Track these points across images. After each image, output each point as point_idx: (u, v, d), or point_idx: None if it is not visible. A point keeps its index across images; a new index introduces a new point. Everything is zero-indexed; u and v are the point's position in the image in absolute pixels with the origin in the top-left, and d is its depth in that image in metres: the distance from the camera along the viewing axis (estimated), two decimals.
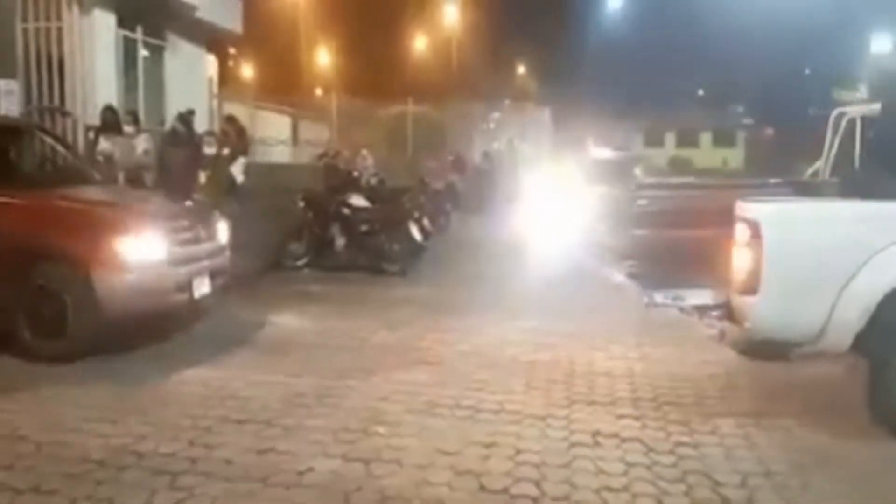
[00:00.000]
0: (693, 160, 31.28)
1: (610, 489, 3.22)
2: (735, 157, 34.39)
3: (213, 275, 5.74)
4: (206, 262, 5.67)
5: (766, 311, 3.91)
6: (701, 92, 43.54)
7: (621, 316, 6.37)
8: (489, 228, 13.50)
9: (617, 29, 34.60)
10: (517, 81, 42.97)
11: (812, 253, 3.84)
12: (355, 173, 12.49)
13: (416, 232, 9.26)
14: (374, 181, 13.10)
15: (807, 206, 4.23)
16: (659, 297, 4.40)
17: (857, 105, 5.97)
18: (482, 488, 3.24)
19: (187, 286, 5.41)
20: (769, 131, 35.37)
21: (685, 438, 3.76)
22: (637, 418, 4.04)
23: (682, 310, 4.47)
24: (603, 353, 5.29)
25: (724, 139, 35.21)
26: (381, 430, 3.84)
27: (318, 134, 22.86)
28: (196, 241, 5.64)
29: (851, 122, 5.82)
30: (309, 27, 35.13)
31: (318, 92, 34.20)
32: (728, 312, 4.09)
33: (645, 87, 37.65)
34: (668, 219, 5.02)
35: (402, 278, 8.49)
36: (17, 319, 4.95)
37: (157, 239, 5.24)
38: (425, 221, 10.07)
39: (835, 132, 5.96)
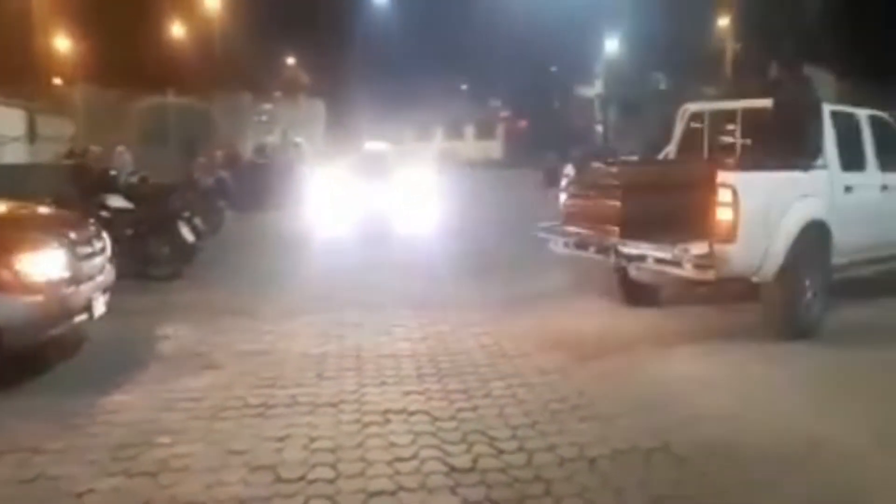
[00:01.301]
0: (460, 152, 33.33)
1: (401, 459, 3.47)
2: (495, 148, 37.34)
3: (105, 291, 5.18)
4: (100, 279, 5.11)
5: (739, 254, 5.14)
6: (464, 86, 46.42)
7: (401, 303, 6.72)
8: (266, 225, 13.20)
9: (385, 23, 35.49)
10: (288, 73, 42.06)
11: (762, 209, 5.23)
12: (112, 172, 11.40)
13: (187, 232, 8.76)
14: (134, 179, 12.03)
15: (759, 175, 5.41)
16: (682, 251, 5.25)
17: (699, 102, 7.54)
18: (278, 479, 3.29)
19: (88, 306, 4.85)
20: (523, 123, 38.95)
21: (465, 404, 4.15)
22: (422, 393, 4.36)
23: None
24: (388, 338, 5.56)
25: (485, 132, 38.02)
26: (164, 440, 3.69)
27: (61, 129, 20.36)
28: (92, 255, 5.05)
29: (695, 114, 7.25)
30: (44, 7, 30.94)
31: (58, 82, 30.36)
32: (707, 258, 5.10)
33: (414, 80, 39.19)
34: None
35: (175, 283, 8.01)
36: None
37: (60, 255, 4.64)
38: (197, 221, 9.57)
39: (681, 122, 7.35)
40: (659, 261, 5.38)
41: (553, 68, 42.52)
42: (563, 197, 6.45)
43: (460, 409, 4.08)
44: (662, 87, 36.51)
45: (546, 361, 4.91)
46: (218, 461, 3.46)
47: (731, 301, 6.68)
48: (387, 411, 4.07)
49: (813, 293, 5.61)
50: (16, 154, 18.07)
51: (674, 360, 4.96)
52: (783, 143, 5.90)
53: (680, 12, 25.07)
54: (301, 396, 4.32)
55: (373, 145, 13.76)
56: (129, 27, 29.28)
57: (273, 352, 5.26)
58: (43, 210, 5.81)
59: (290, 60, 43.59)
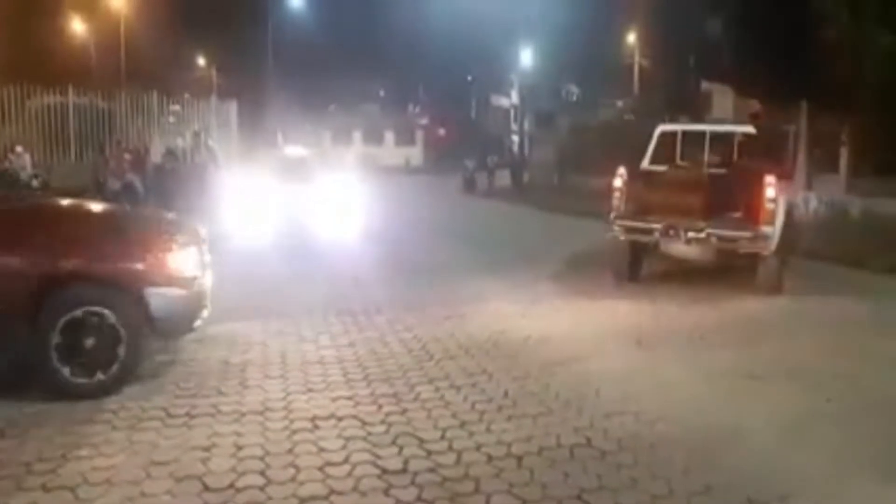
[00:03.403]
0: (379, 158, 33.23)
1: (331, 464, 3.48)
2: (415, 155, 37.49)
3: None
4: (210, 277, 5.14)
5: (774, 234, 7.20)
6: (382, 92, 46.36)
7: (325, 309, 6.68)
8: None
9: (301, 26, 34.99)
10: (198, 73, 40.71)
11: (781, 204, 7.28)
12: (12, 175, 10.74)
13: None
14: (35, 183, 11.41)
15: (782, 180, 7.43)
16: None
17: (671, 124, 9.42)
18: (206, 489, 3.24)
19: (208, 302, 4.99)
20: (442, 131, 39.34)
21: (394, 408, 4.20)
22: (350, 398, 4.37)
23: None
24: (313, 345, 5.53)
25: (405, 138, 38.10)
26: (83, 452, 3.55)
27: None
28: (204, 253, 5.12)
29: (666, 133, 8.87)
30: None
31: None
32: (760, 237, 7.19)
33: (331, 84, 38.83)
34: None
35: None
36: (47, 354, 4.20)
37: (195, 252, 4.87)
38: None
39: (655, 139, 8.77)
40: (721, 239, 7.38)
41: (469, 78, 43.20)
42: (618, 193, 7.90)
43: (389, 413, 4.13)
44: (575, 98, 37.87)
45: (472, 363, 5.03)
46: (141, 473, 3.36)
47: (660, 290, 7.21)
48: (315, 417, 4.06)
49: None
50: None
51: (592, 357, 5.20)
52: (762, 158, 8.10)
53: (592, 27, 26.12)
54: (224, 405, 4.25)
55: (292, 149, 13.57)
56: (26, 20, 27.52)
57: (192, 361, 5.11)
58: (162, 212, 6.16)
59: (201, 61, 42.23)
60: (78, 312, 4.28)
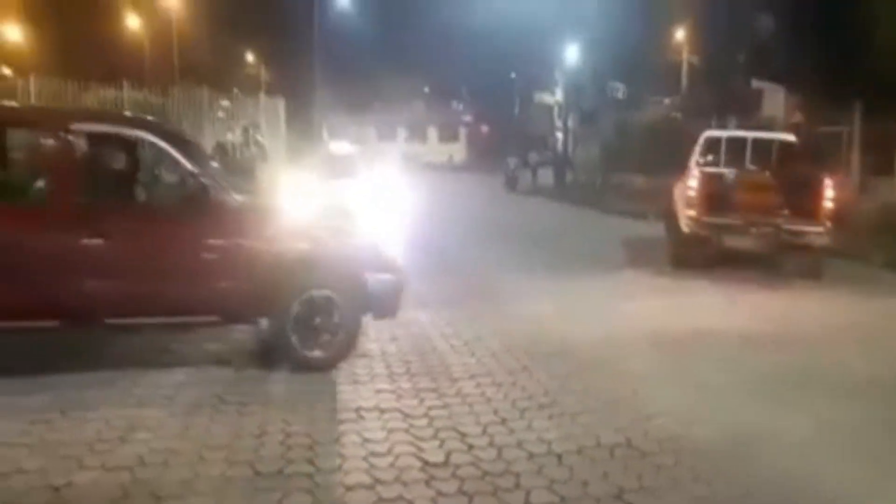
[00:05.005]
0: (422, 155, 33.42)
1: (375, 454, 3.58)
2: (459, 152, 37.58)
3: None
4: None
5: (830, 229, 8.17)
6: (427, 89, 46.59)
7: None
8: None
9: (348, 24, 35.35)
10: (247, 69, 41.51)
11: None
12: None
13: None
14: None
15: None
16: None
17: (717, 130, 10.69)
18: (258, 474, 3.37)
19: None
20: (485, 128, 39.32)
21: (436, 402, 4.29)
22: (393, 391, 4.48)
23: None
24: (359, 338, 5.63)
25: (448, 135, 38.22)
26: (140, 435, 3.73)
27: None
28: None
29: (711, 138, 9.83)
30: None
31: (8, 72, 29.32)
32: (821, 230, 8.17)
33: (376, 81, 39.19)
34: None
35: None
36: (284, 329, 4.77)
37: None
38: None
39: (700, 144, 9.60)
40: (791, 234, 8.14)
41: (513, 75, 43.01)
42: (693, 193, 8.51)
43: (431, 407, 4.21)
44: (620, 96, 37.33)
45: (513, 361, 5.08)
46: (195, 456, 3.51)
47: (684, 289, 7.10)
48: (359, 409, 4.18)
49: None
50: None
51: (633, 357, 5.19)
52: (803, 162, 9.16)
53: (639, 23, 25.75)
54: (275, 394, 4.40)
55: (338, 146, 13.78)
56: (84, 16, 28.50)
57: (243, 351, 5.29)
58: None
59: (250, 57, 43.04)
60: (312, 293, 4.79)
